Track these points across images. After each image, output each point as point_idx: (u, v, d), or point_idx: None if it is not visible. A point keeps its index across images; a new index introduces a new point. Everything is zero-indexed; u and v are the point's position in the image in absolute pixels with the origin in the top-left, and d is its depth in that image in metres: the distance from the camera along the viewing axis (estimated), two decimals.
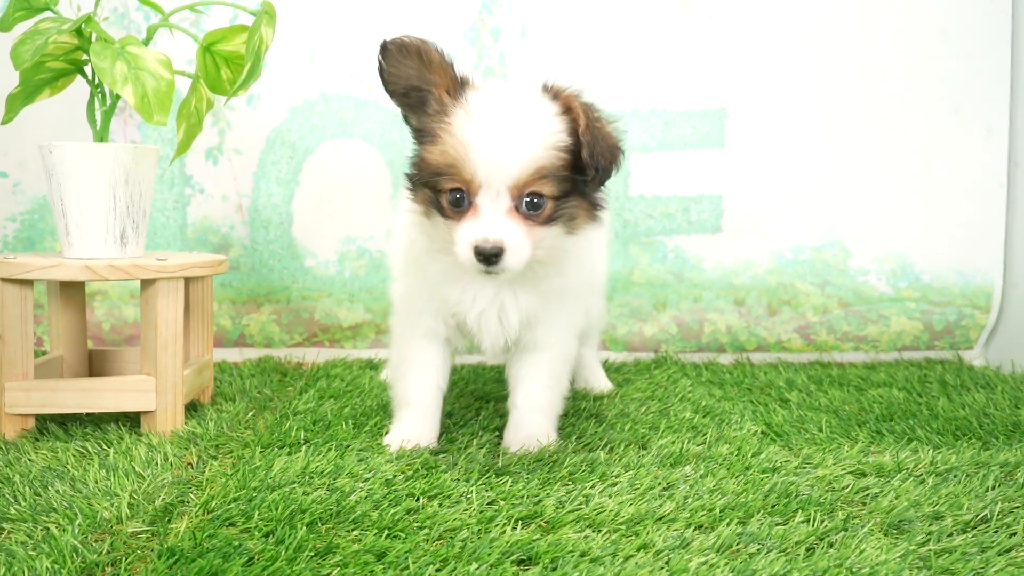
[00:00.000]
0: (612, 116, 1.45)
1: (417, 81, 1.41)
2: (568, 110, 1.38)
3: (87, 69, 1.71)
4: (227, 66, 1.73)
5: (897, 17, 2.41)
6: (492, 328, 1.53)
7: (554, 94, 1.40)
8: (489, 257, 1.34)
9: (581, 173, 1.38)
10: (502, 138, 1.34)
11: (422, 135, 1.43)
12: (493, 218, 1.35)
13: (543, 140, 1.34)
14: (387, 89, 1.43)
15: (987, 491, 1.36)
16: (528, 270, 1.43)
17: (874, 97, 2.42)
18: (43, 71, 1.68)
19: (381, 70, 1.41)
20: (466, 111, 1.36)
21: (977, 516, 1.26)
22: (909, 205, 2.45)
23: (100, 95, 1.71)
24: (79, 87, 1.77)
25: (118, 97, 1.65)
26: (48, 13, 1.69)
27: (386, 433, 1.62)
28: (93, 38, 1.66)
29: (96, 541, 1.15)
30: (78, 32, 1.65)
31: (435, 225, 1.43)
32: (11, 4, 1.65)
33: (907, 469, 1.47)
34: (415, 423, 1.59)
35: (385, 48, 1.40)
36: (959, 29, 2.41)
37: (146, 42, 1.68)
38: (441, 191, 1.39)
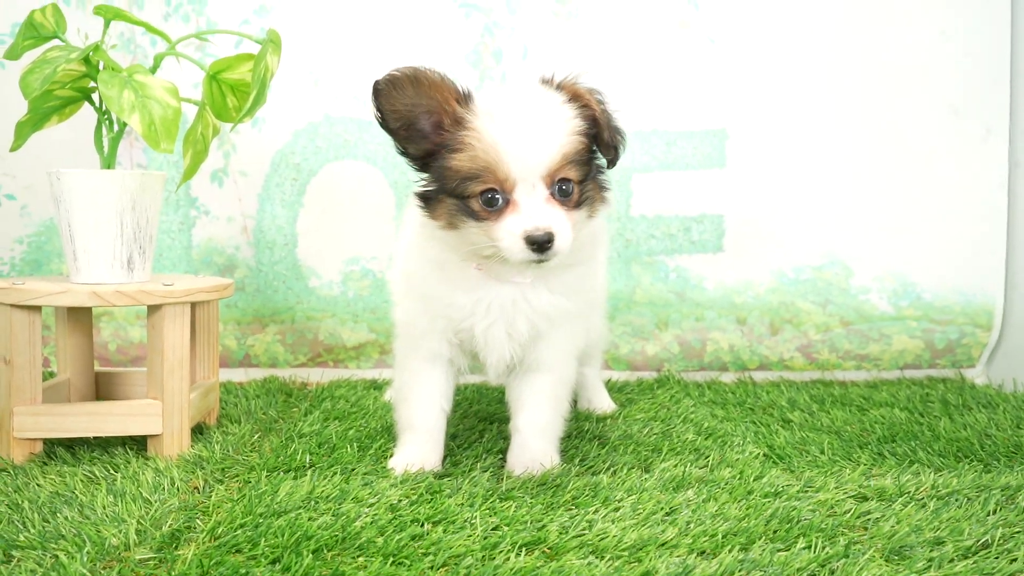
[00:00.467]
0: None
1: (416, 108, 1.43)
2: (575, 97, 1.45)
3: (95, 97, 1.73)
4: (233, 94, 1.75)
5: (896, 40, 2.43)
6: (499, 342, 1.55)
7: (557, 85, 1.48)
8: (542, 244, 1.39)
9: (594, 156, 1.49)
10: (530, 133, 1.40)
11: (437, 153, 1.45)
12: (537, 208, 1.41)
13: (565, 127, 1.42)
14: (386, 127, 1.45)
15: (988, 515, 1.37)
16: (543, 270, 1.50)
17: (873, 118, 2.44)
18: (51, 99, 1.70)
19: (378, 110, 1.43)
20: (487, 115, 1.41)
21: (978, 541, 1.27)
22: (910, 224, 2.46)
23: (108, 122, 1.73)
24: (85, 113, 1.79)
25: (125, 124, 1.67)
26: (56, 41, 1.71)
27: (390, 456, 1.63)
28: (100, 66, 1.68)
29: (104, 568, 1.16)
30: (86, 60, 1.67)
31: (464, 232, 1.46)
32: (20, 33, 1.67)
33: (908, 493, 1.48)
34: (419, 447, 1.60)
35: (377, 89, 1.42)
36: (960, 48, 2.43)
37: (153, 70, 1.70)
38: (470, 196, 1.43)
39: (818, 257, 2.47)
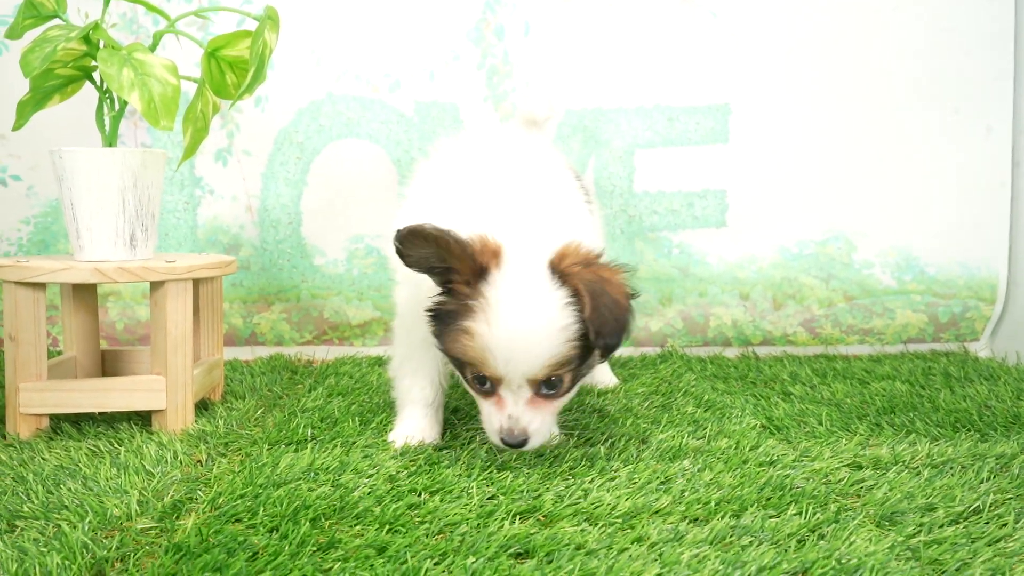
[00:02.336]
0: (624, 267, 1.43)
1: (438, 262, 1.39)
2: (574, 292, 1.36)
3: (95, 75, 1.75)
4: (232, 71, 1.76)
5: (901, 11, 2.42)
6: None
7: (562, 277, 1.36)
8: (514, 445, 1.42)
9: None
10: (519, 343, 1.35)
11: (446, 305, 1.42)
12: (516, 409, 1.41)
13: (559, 337, 1.35)
14: (407, 265, 1.41)
15: (981, 483, 1.38)
16: None
17: (877, 91, 2.43)
18: (52, 78, 1.71)
19: (400, 252, 1.39)
20: (486, 313, 1.35)
21: (969, 507, 1.27)
22: (913, 198, 2.46)
23: (108, 101, 1.74)
24: (89, 91, 1.80)
25: (126, 103, 1.68)
26: (56, 20, 1.72)
27: (391, 430, 1.65)
28: (101, 45, 1.69)
29: (106, 538, 1.18)
30: (86, 39, 1.69)
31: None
32: (20, 12, 1.68)
33: (903, 461, 1.48)
34: (418, 420, 1.62)
35: (401, 236, 1.36)
36: (962, 25, 2.42)
37: (152, 48, 1.71)
38: (466, 364, 1.42)
39: (821, 232, 2.47)
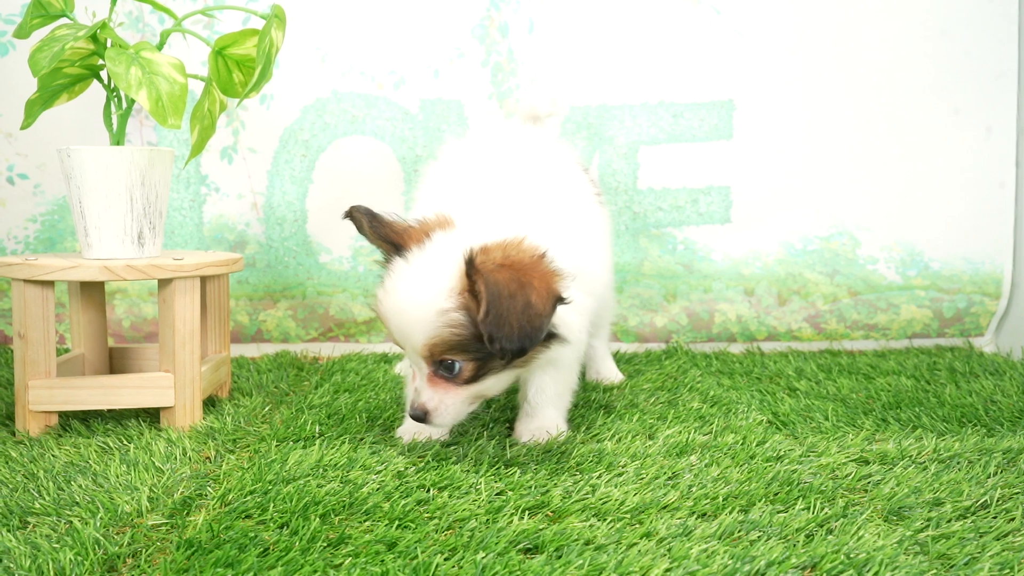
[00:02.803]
0: (559, 272, 1.39)
1: (380, 238, 1.50)
2: (476, 291, 1.36)
3: (103, 74, 1.75)
4: (239, 69, 1.77)
5: (904, 9, 2.42)
6: None
7: (471, 270, 1.36)
8: (419, 419, 1.47)
9: None
10: (399, 316, 1.43)
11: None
12: (419, 383, 1.47)
13: (436, 319, 1.38)
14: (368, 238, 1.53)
15: (988, 477, 1.39)
16: None
17: (881, 87, 2.43)
18: (60, 77, 1.72)
19: (356, 225, 1.52)
20: (385, 282, 1.46)
21: (977, 502, 1.28)
22: (917, 194, 2.46)
23: (116, 99, 1.74)
24: (94, 90, 1.81)
25: (133, 101, 1.69)
26: (64, 20, 1.73)
27: (399, 426, 1.65)
28: (108, 44, 1.70)
29: (117, 534, 1.19)
30: (93, 38, 1.69)
31: None
32: (28, 11, 1.69)
33: (910, 456, 1.49)
34: None
35: (346, 214, 1.51)
36: (963, 22, 2.42)
37: (159, 46, 1.71)
38: None
39: (825, 228, 2.47)
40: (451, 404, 1.46)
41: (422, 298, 1.40)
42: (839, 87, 2.44)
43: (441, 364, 1.43)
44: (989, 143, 2.44)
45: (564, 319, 1.46)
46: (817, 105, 2.44)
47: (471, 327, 1.37)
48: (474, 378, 1.44)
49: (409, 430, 1.61)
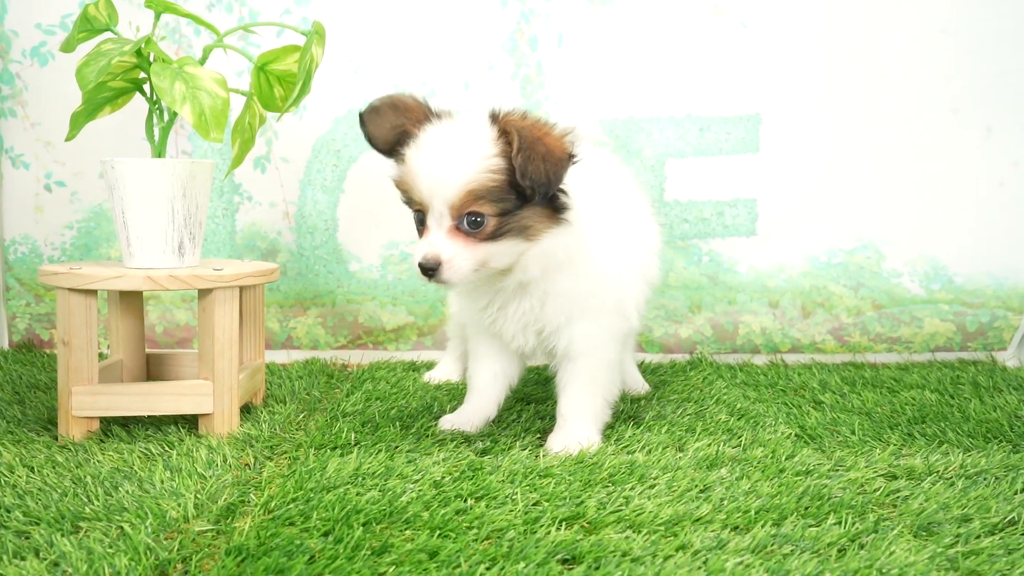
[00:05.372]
0: (566, 128, 1.55)
1: (395, 131, 1.57)
2: (505, 133, 1.49)
3: (145, 88, 1.79)
4: (279, 84, 1.81)
5: (933, 20, 2.44)
6: (511, 332, 1.69)
7: (494, 119, 1.52)
8: (427, 271, 1.51)
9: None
10: (437, 165, 1.50)
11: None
12: (435, 236, 1.52)
13: (475, 165, 1.48)
14: (375, 148, 1.61)
15: (1015, 494, 1.41)
16: (518, 278, 1.60)
17: (907, 102, 2.45)
18: (105, 90, 1.76)
19: (366, 136, 1.60)
20: (417, 142, 1.53)
21: (1005, 519, 1.30)
22: (942, 208, 2.48)
23: (158, 112, 1.79)
24: (133, 99, 1.85)
25: (176, 114, 1.73)
26: (108, 34, 1.77)
27: (432, 435, 1.71)
28: (151, 58, 1.74)
29: (167, 539, 1.22)
30: (137, 52, 1.73)
31: None
32: (75, 26, 1.74)
33: (937, 472, 1.51)
34: (465, 407, 1.79)
35: (361, 119, 1.59)
36: (992, 32, 2.44)
37: (202, 61, 1.75)
38: (413, 210, 1.58)
39: (850, 241, 2.49)
40: (464, 260, 1.51)
41: (464, 144, 1.50)
42: (865, 102, 2.46)
43: (468, 217, 1.50)
44: (1019, 159, 2.46)
45: (614, 286, 1.68)
46: (843, 119, 2.46)
47: (506, 174, 1.48)
48: (493, 235, 1.51)
49: (449, 421, 1.74)
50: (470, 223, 1.50)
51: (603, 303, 1.68)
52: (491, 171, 1.48)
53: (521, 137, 1.46)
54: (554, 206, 1.54)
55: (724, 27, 2.44)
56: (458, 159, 1.49)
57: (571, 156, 1.51)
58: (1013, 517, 1.30)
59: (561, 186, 1.52)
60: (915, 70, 2.45)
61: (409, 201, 1.56)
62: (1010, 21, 2.43)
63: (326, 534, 1.24)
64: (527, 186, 1.46)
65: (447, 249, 1.50)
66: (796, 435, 1.75)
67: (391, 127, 1.58)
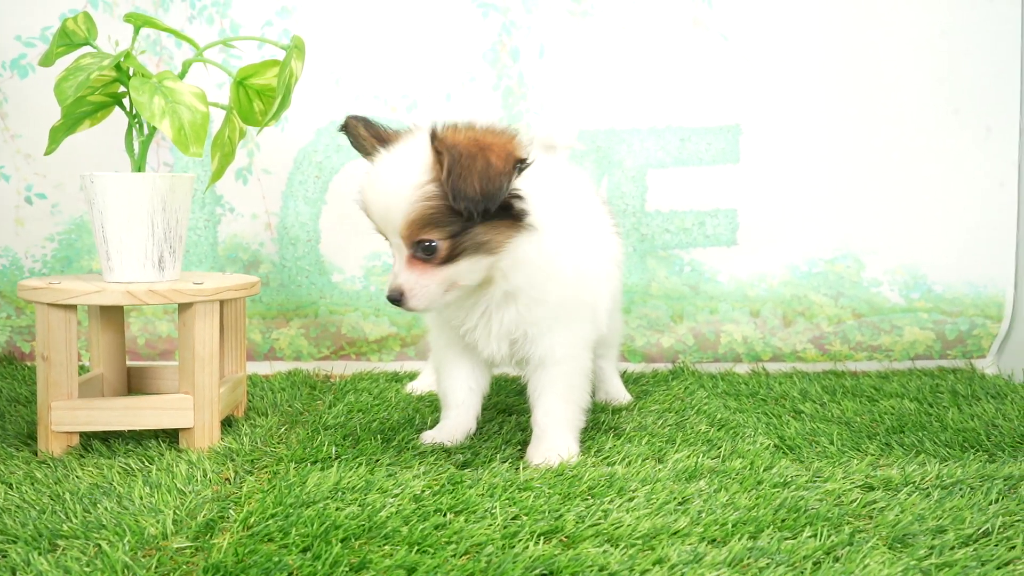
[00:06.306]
0: (512, 131, 1.54)
1: (366, 146, 1.62)
2: (439, 154, 1.47)
3: (125, 102, 1.79)
4: (259, 98, 1.81)
5: (910, 33, 2.46)
6: (483, 341, 1.69)
7: (432, 139, 1.49)
8: (394, 301, 1.54)
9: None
10: (381, 198, 1.53)
11: None
12: (397, 267, 1.54)
13: (410, 195, 1.48)
14: (355, 147, 1.65)
15: (990, 504, 1.42)
16: (501, 288, 1.60)
17: (884, 113, 2.48)
18: (84, 104, 1.76)
19: (351, 141, 1.65)
20: (368, 172, 1.57)
21: (979, 530, 1.31)
22: (921, 218, 2.50)
23: (138, 126, 1.79)
24: (115, 112, 1.85)
25: (155, 128, 1.73)
26: (87, 48, 1.77)
27: (414, 447, 1.71)
28: (131, 72, 1.74)
29: (145, 557, 1.22)
30: (117, 67, 1.73)
31: None
32: (54, 41, 1.73)
33: (914, 482, 1.52)
34: (447, 422, 1.79)
35: (342, 126, 1.65)
36: (973, 45, 2.46)
37: (181, 75, 1.76)
38: None
39: (830, 250, 2.51)
40: (426, 286, 1.52)
41: (399, 176, 1.50)
42: (845, 113, 2.48)
43: (419, 245, 1.50)
44: (994, 169, 2.48)
45: (590, 291, 1.70)
46: (823, 130, 2.48)
47: (443, 198, 1.46)
48: (449, 258, 1.51)
49: (429, 436, 1.74)
50: (424, 250, 1.50)
51: (579, 309, 1.69)
52: (427, 199, 1.47)
53: (452, 158, 1.43)
54: (511, 215, 1.52)
55: (704, 39, 2.46)
56: (396, 191, 1.49)
57: (518, 163, 1.48)
58: (987, 528, 1.32)
59: (517, 191, 1.51)
60: (891, 80, 2.47)
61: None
62: (1009, 24, 2.46)
63: (305, 550, 1.24)
64: (462, 208, 1.44)
65: (407, 279, 1.52)
66: (775, 446, 1.76)
67: (371, 135, 1.61)
